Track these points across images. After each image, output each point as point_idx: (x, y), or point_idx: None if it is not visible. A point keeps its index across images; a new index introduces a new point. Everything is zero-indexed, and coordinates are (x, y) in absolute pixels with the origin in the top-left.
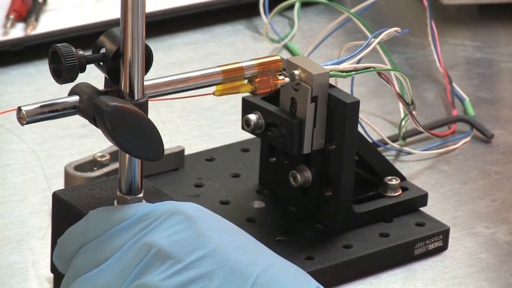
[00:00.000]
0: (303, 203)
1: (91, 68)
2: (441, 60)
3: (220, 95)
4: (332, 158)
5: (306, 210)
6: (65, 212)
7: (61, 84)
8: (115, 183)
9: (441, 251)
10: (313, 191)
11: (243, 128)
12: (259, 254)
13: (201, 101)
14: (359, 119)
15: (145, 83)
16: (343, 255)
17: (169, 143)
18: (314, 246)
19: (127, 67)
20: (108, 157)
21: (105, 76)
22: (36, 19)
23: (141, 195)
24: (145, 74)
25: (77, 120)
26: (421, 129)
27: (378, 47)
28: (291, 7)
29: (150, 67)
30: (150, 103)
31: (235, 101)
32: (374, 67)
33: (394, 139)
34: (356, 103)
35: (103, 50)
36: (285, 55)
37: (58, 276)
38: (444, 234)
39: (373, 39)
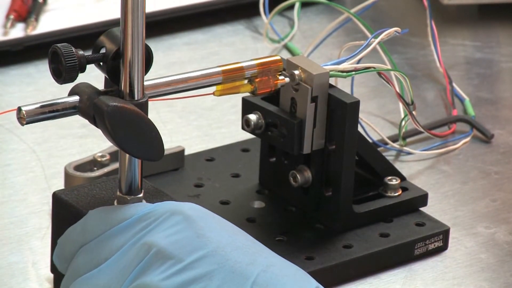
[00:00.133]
0: (303, 203)
1: (91, 68)
2: (441, 60)
3: (220, 95)
4: (332, 158)
5: (306, 210)
6: (65, 212)
7: (61, 84)
8: (115, 183)
9: (441, 251)
10: (313, 191)
11: (243, 128)
12: (259, 254)
13: (201, 101)
14: (359, 119)
15: (145, 83)
16: (343, 255)
17: (169, 143)
18: (314, 246)
19: (127, 67)
20: (108, 157)
21: (105, 76)
22: (36, 19)
23: (141, 195)
24: (145, 74)
25: (77, 120)
26: (421, 129)
27: (378, 47)
28: (291, 7)
29: (150, 67)
30: (150, 103)
31: (235, 101)
32: (374, 67)
33: (394, 139)
34: (356, 103)
35: (103, 50)
36: (285, 55)
37: (58, 276)
38: (444, 234)
39: (373, 39)
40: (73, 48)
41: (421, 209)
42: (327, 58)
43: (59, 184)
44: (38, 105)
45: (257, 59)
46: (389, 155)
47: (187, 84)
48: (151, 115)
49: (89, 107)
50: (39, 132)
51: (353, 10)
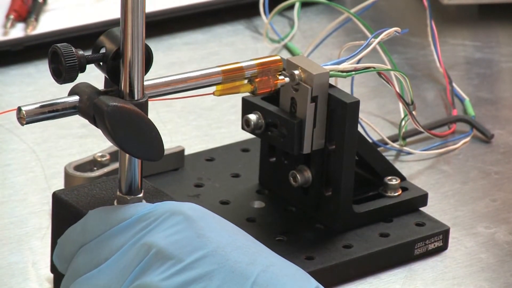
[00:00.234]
0: (303, 203)
1: (91, 68)
2: (441, 60)
3: (220, 95)
4: (332, 158)
5: (306, 210)
6: (65, 212)
7: (61, 84)
8: (115, 183)
9: (441, 251)
10: (313, 191)
11: (243, 128)
12: (259, 254)
13: (201, 101)
14: (359, 119)
15: (145, 83)
16: (343, 255)
17: (169, 143)
18: (314, 246)
19: (127, 67)
20: (108, 157)
21: (105, 76)
22: (36, 19)
23: (141, 195)
24: (145, 74)
25: (77, 120)
26: (421, 129)
27: (378, 47)
28: (291, 7)
29: (150, 67)
30: (150, 103)
31: (235, 101)
32: (374, 67)
33: (394, 139)
34: (356, 103)
35: (103, 50)
36: (285, 55)
37: (58, 276)
38: (444, 234)
39: (373, 39)
40: (73, 48)
41: (421, 209)
42: (327, 58)
43: (59, 184)
44: (38, 105)
45: (257, 59)
46: (389, 155)
47: (187, 84)
48: (151, 115)
49: (89, 107)
50: (39, 132)
51: (353, 10)
